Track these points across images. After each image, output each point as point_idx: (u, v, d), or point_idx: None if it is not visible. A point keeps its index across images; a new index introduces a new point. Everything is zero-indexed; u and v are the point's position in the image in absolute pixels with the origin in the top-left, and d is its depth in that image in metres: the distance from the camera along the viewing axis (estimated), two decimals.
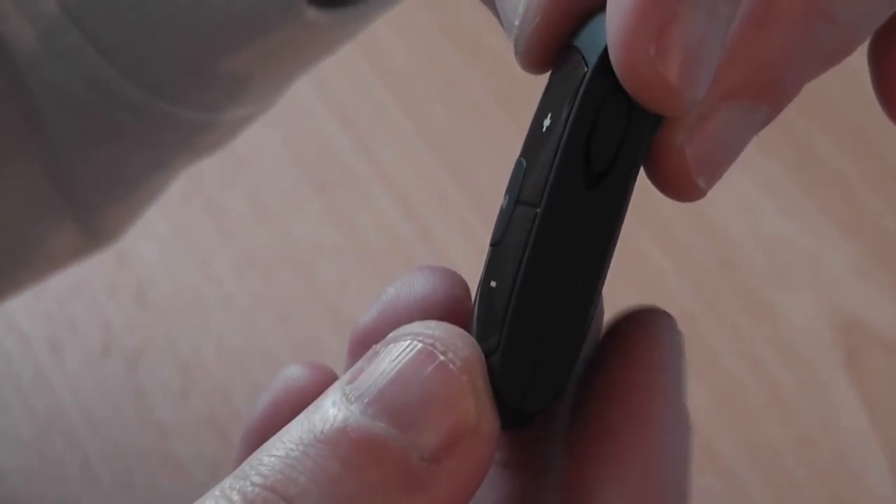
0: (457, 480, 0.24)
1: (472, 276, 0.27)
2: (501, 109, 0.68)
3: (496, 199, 0.26)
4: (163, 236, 0.64)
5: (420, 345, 0.24)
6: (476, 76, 0.70)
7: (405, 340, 0.25)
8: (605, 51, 0.24)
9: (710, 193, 0.26)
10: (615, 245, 0.25)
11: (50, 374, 0.60)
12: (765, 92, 0.25)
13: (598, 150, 0.25)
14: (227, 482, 0.23)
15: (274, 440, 0.24)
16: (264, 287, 0.63)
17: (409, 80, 0.71)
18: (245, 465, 0.23)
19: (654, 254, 0.63)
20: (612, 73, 0.24)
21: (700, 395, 0.58)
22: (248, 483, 0.23)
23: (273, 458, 0.23)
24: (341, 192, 0.66)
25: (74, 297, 0.62)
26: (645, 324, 0.26)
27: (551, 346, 0.25)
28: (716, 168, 0.25)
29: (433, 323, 0.25)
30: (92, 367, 0.60)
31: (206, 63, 0.42)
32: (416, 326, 0.25)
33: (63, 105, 0.43)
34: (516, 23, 0.26)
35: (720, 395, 0.59)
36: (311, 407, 0.24)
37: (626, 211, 0.25)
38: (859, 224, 0.65)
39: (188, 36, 0.41)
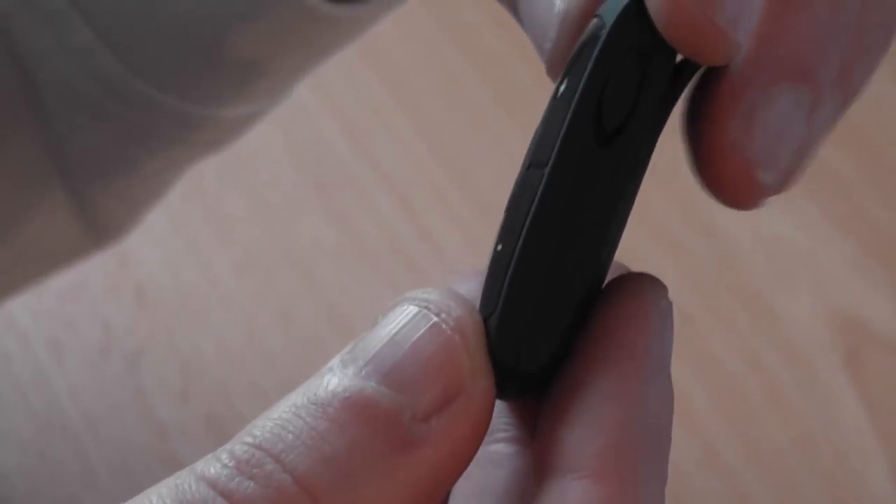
0: (449, 441, 0.24)
1: None
2: (501, 109, 0.68)
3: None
4: (163, 236, 0.64)
5: (415, 308, 0.25)
6: (476, 76, 0.70)
7: (401, 306, 0.25)
8: (625, 9, 0.24)
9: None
10: (627, 213, 0.25)
11: (50, 374, 0.60)
12: (802, 72, 0.25)
13: (609, 107, 0.24)
14: (224, 445, 0.24)
15: (272, 408, 0.24)
16: (264, 287, 0.63)
17: (409, 80, 0.71)
18: (242, 431, 0.24)
19: (653, 253, 0.63)
20: (630, 30, 0.24)
21: (699, 395, 0.58)
22: (239, 443, 0.23)
23: (267, 422, 0.24)
24: (341, 192, 0.66)
25: (74, 297, 0.62)
26: (632, 287, 0.26)
27: (552, 308, 0.25)
28: (779, 161, 0.25)
29: (430, 288, 0.25)
30: (92, 367, 0.60)
31: (207, 47, 0.42)
32: (413, 292, 0.25)
33: (61, 90, 0.43)
34: (547, 47, 0.26)
35: (719, 395, 0.59)
36: (311, 377, 0.24)
37: (640, 178, 0.25)
38: (859, 224, 0.65)
39: (186, 17, 0.41)
